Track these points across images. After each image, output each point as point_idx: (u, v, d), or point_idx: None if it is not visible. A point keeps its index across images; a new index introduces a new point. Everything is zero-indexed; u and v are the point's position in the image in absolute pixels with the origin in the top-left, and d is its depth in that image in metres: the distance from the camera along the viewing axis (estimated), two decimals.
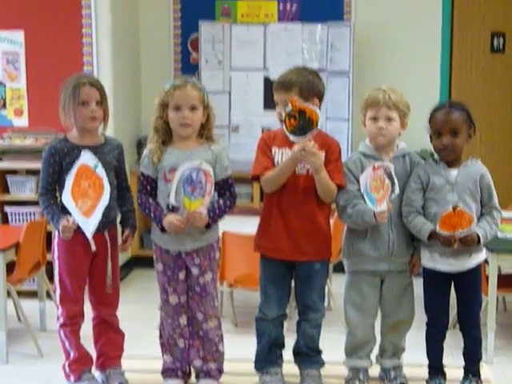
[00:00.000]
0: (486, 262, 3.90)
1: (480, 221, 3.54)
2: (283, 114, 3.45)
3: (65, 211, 3.56)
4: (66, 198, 3.53)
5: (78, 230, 3.56)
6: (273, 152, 3.63)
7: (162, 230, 3.59)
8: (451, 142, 3.52)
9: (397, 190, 3.49)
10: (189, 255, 3.64)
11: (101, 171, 3.52)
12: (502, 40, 6.48)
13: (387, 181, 3.48)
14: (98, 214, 3.49)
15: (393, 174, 3.49)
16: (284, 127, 3.46)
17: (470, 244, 3.48)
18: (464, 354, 3.74)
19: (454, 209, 3.44)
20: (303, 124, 3.42)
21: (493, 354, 4.01)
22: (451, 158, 3.57)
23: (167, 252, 3.66)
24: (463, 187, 3.53)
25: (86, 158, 3.56)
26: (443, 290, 3.67)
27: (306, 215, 3.62)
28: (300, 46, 6.14)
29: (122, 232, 3.79)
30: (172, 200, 3.47)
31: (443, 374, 3.75)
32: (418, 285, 3.78)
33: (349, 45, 5.96)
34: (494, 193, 3.60)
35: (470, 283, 3.65)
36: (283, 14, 6.31)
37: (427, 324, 3.74)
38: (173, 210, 3.54)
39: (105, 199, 3.53)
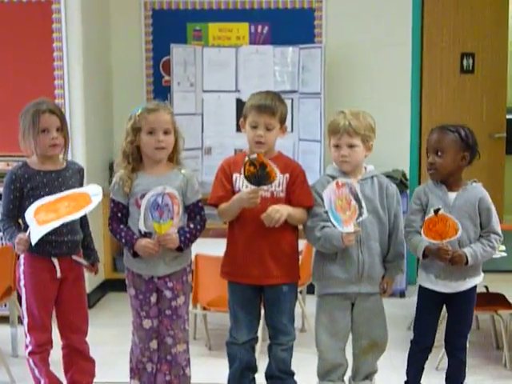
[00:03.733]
0: None
1: (474, 243, 3.53)
2: (246, 158, 3.46)
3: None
4: (30, 209, 3.47)
5: (44, 256, 3.54)
6: (233, 178, 3.64)
7: (134, 255, 3.58)
8: (435, 161, 3.55)
9: (365, 214, 3.47)
10: (161, 279, 3.63)
11: (95, 199, 3.50)
12: (471, 60, 6.55)
13: (353, 202, 3.46)
14: (51, 226, 3.41)
15: (359, 194, 3.46)
16: (242, 170, 3.48)
17: (457, 262, 3.47)
18: (447, 375, 3.74)
19: (436, 212, 3.42)
20: (260, 175, 3.45)
21: (466, 373, 4.00)
22: (436, 178, 3.59)
23: (139, 276, 3.64)
24: (461, 211, 3.52)
25: (90, 188, 3.58)
26: (435, 309, 3.69)
27: (273, 238, 3.61)
28: (272, 68, 6.17)
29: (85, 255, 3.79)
30: (142, 227, 3.48)
31: None
32: (399, 305, 3.80)
33: (320, 66, 5.98)
34: (494, 216, 3.59)
35: (462, 304, 3.65)
36: (254, 37, 6.34)
37: (412, 341, 3.75)
38: (145, 235, 3.54)
39: (68, 219, 3.48)
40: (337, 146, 3.60)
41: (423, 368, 3.76)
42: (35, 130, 3.56)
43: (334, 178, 3.61)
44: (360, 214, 3.47)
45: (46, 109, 3.60)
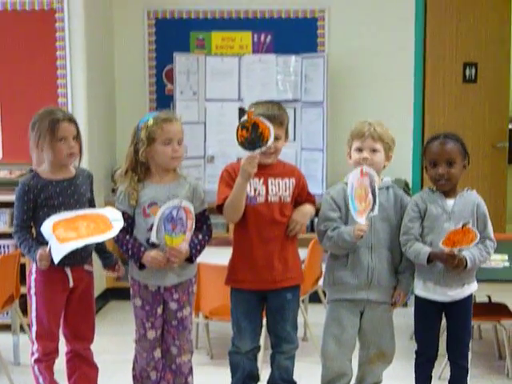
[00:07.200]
0: None
1: (471, 247, 3.54)
2: (237, 124, 3.45)
3: (42, 243, 3.50)
4: (47, 224, 3.43)
5: (58, 266, 3.50)
6: None
7: (140, 266, 3.58)
8: (447, 171, 3.58)
9: (375, 211, 3.51)
10: (167, 290, 3.63)
11: (116, 225, 3.46)
12: (474, 70, 6.56)
13: (370, 196, 3.51)
14: (73, 245, 3.38)
15: (376, 191, 3.52)
16: (235, 137, 3.45)
17: (458, 266, 3.49)
18: (449, 383, 3.75)
19: (464, 226, 3.46)
20: (254, 138, 3.41)
21: (468, 383, 4.01)
22: (447, 188, 3.61)
23: (146, 287, 3.64)
24: (460, 216, 3.55)
25: (109, 212, 3.53)
26: (434, 319, 3.70)
27: (280, 242, 3.65)
28: (274, 77, 6.18)
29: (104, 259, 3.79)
30: (154, 239, 3.47)
31: None
32: (401, 314, 3.78)
33: (323, 75, 5.99)
34: (489, 222, 3.64)
35: (461, 313, 3.67)
36: (257, 46, 6.35)
37: (416, 352, 3.75)
38: (153, 245, 3.53)
39: (91, 241, 3.46)
40: (359, 150, 3.64)
41: (431, 377, 3.76)
42: (53, 138, 3.53)
43: None
44: (371, 210, 3.51)
45: (63, 117, 3.59)
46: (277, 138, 3.59)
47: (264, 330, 3.86)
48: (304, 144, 6.17)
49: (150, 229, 3.49)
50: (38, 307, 3.63)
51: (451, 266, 3.50)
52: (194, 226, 3.52)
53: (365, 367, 3.78)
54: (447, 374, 3.80)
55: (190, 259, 3.61)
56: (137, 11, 6.40)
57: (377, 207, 3.51)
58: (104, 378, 3.94)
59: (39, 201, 3.58)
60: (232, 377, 3.77)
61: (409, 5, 6.29)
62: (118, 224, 3.46)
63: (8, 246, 5.28)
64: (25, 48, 5.59)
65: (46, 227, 3.42)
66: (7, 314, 4.92)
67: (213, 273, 4.43)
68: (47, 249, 3.43)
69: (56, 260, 3.37)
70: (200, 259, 4.21)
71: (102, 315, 5.75)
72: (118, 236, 3.54)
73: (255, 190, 3.62)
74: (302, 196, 3.72)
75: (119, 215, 3.50)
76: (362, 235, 3.51)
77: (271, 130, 3.42)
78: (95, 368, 3.84)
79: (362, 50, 6.29)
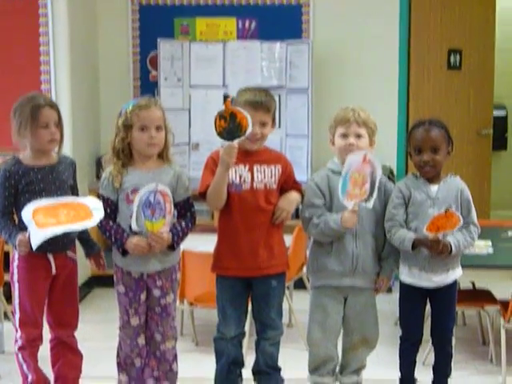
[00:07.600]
0: None
1: (455, 232, 3.57)
2: (215, 114, 3.44)
3: (23, 230, 3.48)
4: (28, 209, 3.42)
5: (40, 253, 3.50)
6: None
7: (123, 253, 3.56)
8: (432, 158, 3.59)
9: (370, 204, 3.51)
10: (150, 277, 3.62)
11: (96, 214, 3.44)
12: (458, 57, 6.56)
13: (367, 185, 3.49)
14: (51, 231, 3.36)
15: (376, 184, 3.50)
16: (213, 127, 3.44)
17: (443, 251, 3.51)
18: (434, 369, 3.79)
19: (446, 211, 3.48)
20: (232, 128, 3.40)
21: (452, 368, 4.03)
22: (431, 175, 3.63)
23: (129, 274, 3.63)
24: (444, 202, 3.57)
25: (90, 201, 3.52)
26: (419, 305, 3.71)
27: (265, 228, 3.64)
28: (259, 64, 6.16)
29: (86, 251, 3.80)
30: (134, 226, 3.46)
31: None
32: (386, 300, 3.80)
33: (307, 62, 5.99)
34: (473, 208, 3.66)
35: (445, 299, 3.70)
36: (242, 32, 6.33)
37: (401, 338, 3.77)
38: (136, 232, 3.52)
39: (69, 229, 3.43)
40: (344, 136, 3.63)
41: (415, 361, 3.78)
42: (35, 124, 3.52)
43: (333, 171, 3.65)
44: (366, 200, 3.50)
45: (45, 103, 3.57)
46: (263, 125, 3.59)
47: (249, 316, 3.86)
48: (289, 130, 6.17)
49: None
50: (21, 294, 3.62)
51: (436, 251, 3.52)
52: (173, 209, 3.51)
53: (348, 353, 3.79)
54: (431, 359, 3.83)
55: (172, 246, 3.59)
56: None
57: (372, 200, 3.50)
58: (88, 366, 3.93)
59: (20, 187, 3.56)
60: (217, 363, 3.77)
61: None
62: (99, 213, 3.45)
63: None
64: (7, 34, 5.55)
65: (27, 212, 3.40)
66: None
67: (198, 260, 4.43)
68: (27, 234, 3.42)
69: (34, 246, 3.35)
70: (185, 246, 4.22)
71: (86, 303, 5.74)
72: (101, 222, 3.52)
73: (240, 177, 3.61)
74: (288, 183, 3.71)
75: (100, 204, 3.49)
76: (349, 226, 3.51)
77: (249, 119, 3.41)
78: (79, 355, 3.83)
79: (347, 36, 6.28)
